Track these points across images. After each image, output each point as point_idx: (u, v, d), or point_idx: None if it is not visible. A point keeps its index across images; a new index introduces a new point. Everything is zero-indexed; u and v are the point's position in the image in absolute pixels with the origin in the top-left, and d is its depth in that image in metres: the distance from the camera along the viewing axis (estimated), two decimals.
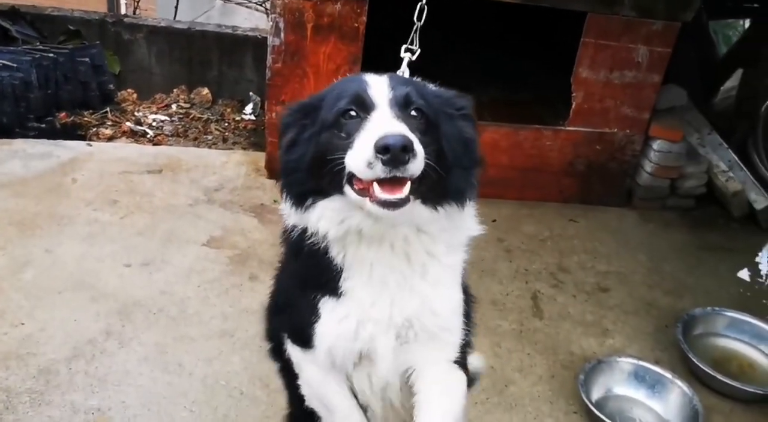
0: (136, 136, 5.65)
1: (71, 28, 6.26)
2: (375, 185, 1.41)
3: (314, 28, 4.25)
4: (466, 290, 1.83)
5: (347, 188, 1.47)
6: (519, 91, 5.43)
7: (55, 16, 6.34)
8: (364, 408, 1.84)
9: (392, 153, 1.35)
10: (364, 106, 1.49)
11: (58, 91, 5.61)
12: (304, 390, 1.84)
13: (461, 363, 1.77)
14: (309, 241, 1.59)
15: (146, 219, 4.19)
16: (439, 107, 1.60)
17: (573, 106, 4.62)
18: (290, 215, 1.61)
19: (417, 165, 1.39)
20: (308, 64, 4.34)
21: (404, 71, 2.02)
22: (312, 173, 1.52)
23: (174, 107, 6.21)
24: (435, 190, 1.53)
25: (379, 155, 1.35)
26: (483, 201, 4.85)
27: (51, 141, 5.01)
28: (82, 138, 5.39)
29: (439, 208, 1.56)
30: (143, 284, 3.65)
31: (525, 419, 3.17)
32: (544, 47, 5.51)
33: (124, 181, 4.53)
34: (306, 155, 1.54)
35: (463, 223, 1.70)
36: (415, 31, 2.15)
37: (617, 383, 3.32)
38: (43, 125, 5.40)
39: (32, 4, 6.36)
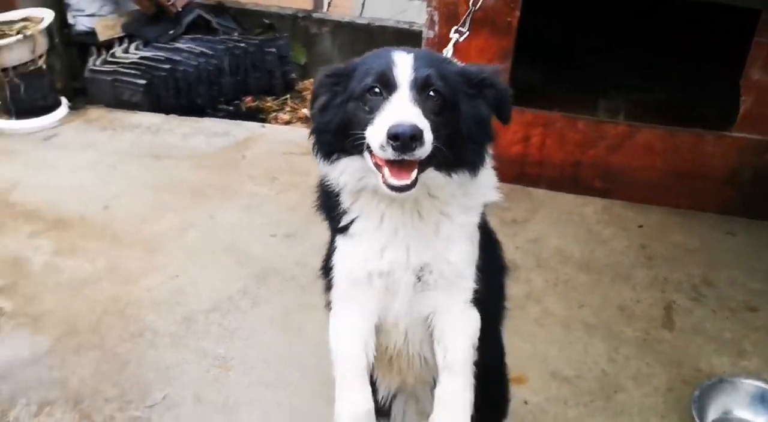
0: (310, 122, 6.10)
1: (266, 21, 6.91)
2: (385, 169, 1.60)
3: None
4: (490, 234, 2.02)
5: (366, 155, 1.66)
6: (683, 92, 5.11)
7: (254, 10, 7.01)
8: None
9: (401, 141, 1.51)
10: (387, 85, 1.65)
11: (246, 77, 6.22)
12: (329, 338, 2.02)
13: (476, 303, 1.90)
14: (330, 186, 1.82)
15: (298, 196, 4.55)
16: (458, 87, 1.72)
17: (741, 110, 4.27)
18: (320, 166, 1.82)
19: (424, 150, 1.55)
20: (460, 57, 4.41)
21: (449, 51, 2.11)
22: (338, 137, 1.72)
23: None
24: (448, 161, 1.67)
25: (390, 141, 1.52)
26: (630, 205, 4.73)
27: (231, 121, 5.61)
28: (263, 121, 5.94)
29: (452, 175, 1.71)
30: (283, 253, 3.99)
31: None
32: (713, 48, 5.10)
33: (286, 160, 4.96)
34: (334, 120, 1.74)
35: (477, 190, 1.83)
36: (469, 14, 2.25)
37: (738, 405, 3.07)
38: (231, 108, 6.06)
39: None
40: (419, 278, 1.84)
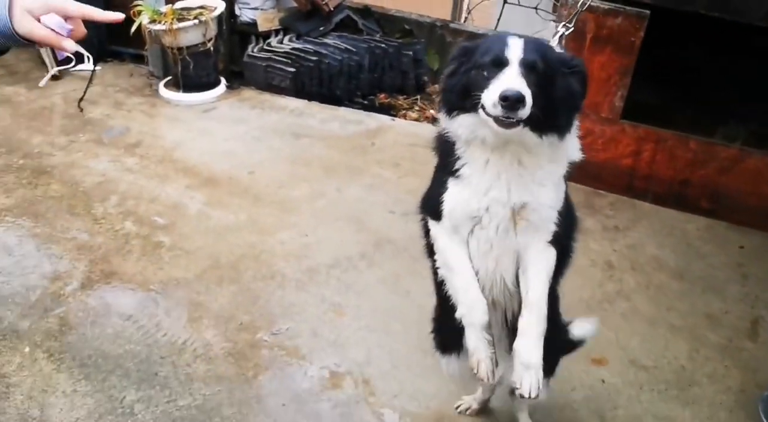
0: (435, 122, 6.59)
1: (407, 27, 7.46)
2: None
3: (593, 39, 4.66)
4: (567, 195, 2.36)
5: (480, 111, 2.07)
6: None
7: (397, 16, 7.57)
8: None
9: (509, 102, 1.94)
10: (501, 61, 2.06)
11: (382, 76, 6.77)
12: (437, 257, 2.40)
13: (554, 243, 2.28)
14: (446, 136, 2.23)
15: (417, 182, 4.92)
16: (556, 67, 2.11)
17: None
18: (442, 120, 2.23)
19: (524, 112, 1.97)
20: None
21: (555, 41, 2.49)
22: (460, 97, 2.14)
23: None
24: (542, 124, 2.07)
25: (500, 102, 1.95)
26: (734, 227, 4.88)
27: (365, 112, 6.18)
28: (394, 116, 6.47)
29: (543, 137, 2.10)
30: (399, 228, 4.46)
31: (697, 417, 3.30)
32: None
33: (409, 150, 5.46)
34: (459, 83, 2.15)
35: (564, 151, 2.22)
36: (576, 15, 2.63)
37: None
38: (366, 102, 6.62)
39: (381, 5, 7.68)
40: (516, 214, 2.21)
